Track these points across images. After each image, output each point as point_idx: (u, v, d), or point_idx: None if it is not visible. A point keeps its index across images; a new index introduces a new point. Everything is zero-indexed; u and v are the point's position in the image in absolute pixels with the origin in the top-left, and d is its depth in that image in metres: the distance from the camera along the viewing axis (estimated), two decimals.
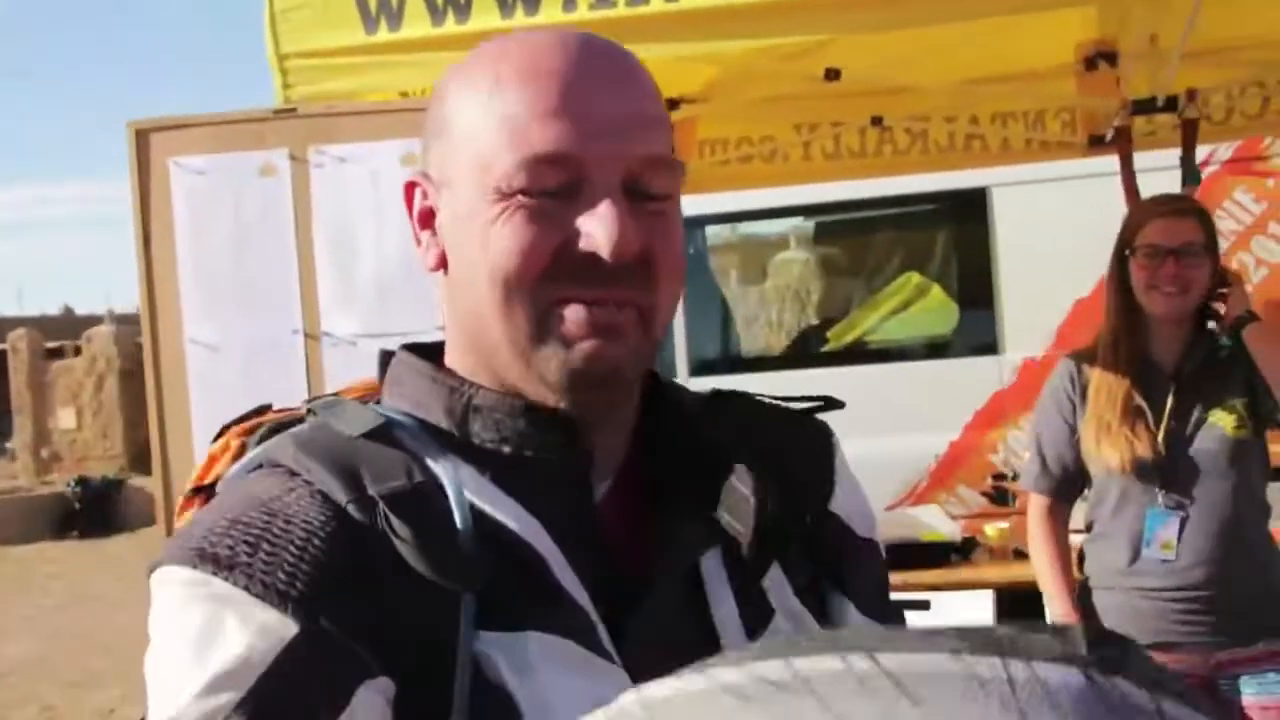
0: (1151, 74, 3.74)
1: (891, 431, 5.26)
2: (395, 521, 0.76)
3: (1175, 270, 2.53)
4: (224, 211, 2.45)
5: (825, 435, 1.01)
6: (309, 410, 0.89)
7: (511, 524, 0.80)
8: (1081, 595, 2.66)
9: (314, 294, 2.43)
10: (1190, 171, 3.72)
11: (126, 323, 15.50)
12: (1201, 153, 4.18)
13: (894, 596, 1.04)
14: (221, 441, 0.94)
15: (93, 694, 6.70)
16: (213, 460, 0.93)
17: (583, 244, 0.80)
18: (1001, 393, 5.44)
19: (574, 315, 0.81)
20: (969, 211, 5.58)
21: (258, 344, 2.43)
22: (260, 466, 0.85)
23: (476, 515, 0.79)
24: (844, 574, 0.96)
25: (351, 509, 0.77)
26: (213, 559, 0.74)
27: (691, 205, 5.29)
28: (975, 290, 5.59)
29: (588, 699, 0.70)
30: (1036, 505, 2.73)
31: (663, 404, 0.93)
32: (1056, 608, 2.64)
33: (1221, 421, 2.53)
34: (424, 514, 0.77)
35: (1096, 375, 2.63)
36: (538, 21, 2.31)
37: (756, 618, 0.88)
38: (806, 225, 7.43)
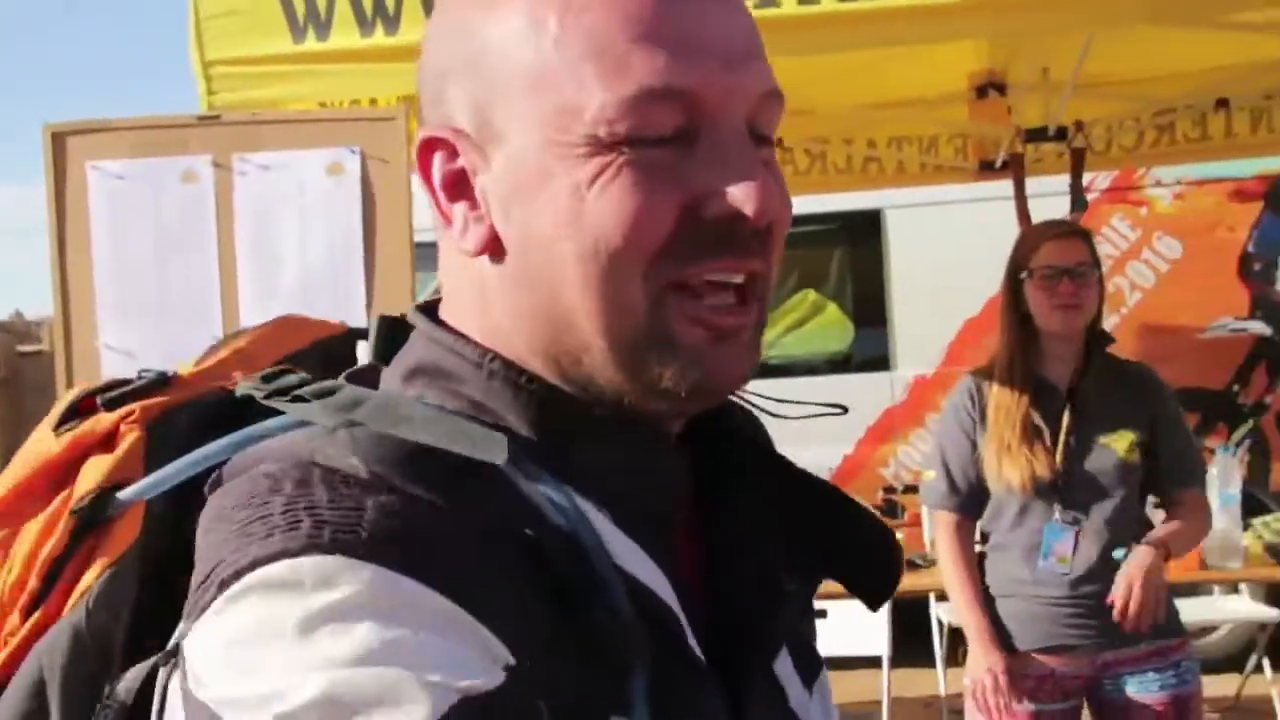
0: (1042, 104, 3.94)
1: (787, 444, 5.35)
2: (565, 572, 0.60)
3: (1071, 289, 2.67)
4: (144, 217, 2.43)
5: (897, 549, 0.84)
6: (350, 422, 0.62)
7: (645, 579, 0.63)
8: (987, 604, 2.78)
9: (235, 301, 2.42)
10: (1078, 198, 3.91)
11: (4, 330, 14.91)
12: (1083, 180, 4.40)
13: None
14: (88, 426, 0.70)
15: None
16: (77, 446, 0.69)
17: (714, 207, 0.63)
18: (893, 408, 5.61)
19: (698, 313, 0.64)
20: (864, 232, 5.75)
21: (177, 351, 2.39)
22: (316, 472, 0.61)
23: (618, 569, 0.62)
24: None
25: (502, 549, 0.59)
26: (377, 550, 0.55)
27: None
28: (869, 308, 5.76)
29: None
30: (945, 521, 2.84)
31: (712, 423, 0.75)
32: (968, 617, 2.75)
33: (1114, 444, 2.69)
34: (576, 566, 0.60)
35: (995, 394, 2.76)
36: None
37: (808, 663, 0.77)
38: None
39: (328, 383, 0.66)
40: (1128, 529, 2.70)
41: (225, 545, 0.57)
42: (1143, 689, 2.65)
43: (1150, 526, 2.79)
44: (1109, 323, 2.85)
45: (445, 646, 0.53)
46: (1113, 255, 5.37)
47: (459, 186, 0.68)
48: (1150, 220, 5.50)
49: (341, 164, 2.42)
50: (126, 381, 0.73)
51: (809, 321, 5.90)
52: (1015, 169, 4.29)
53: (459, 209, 0.68)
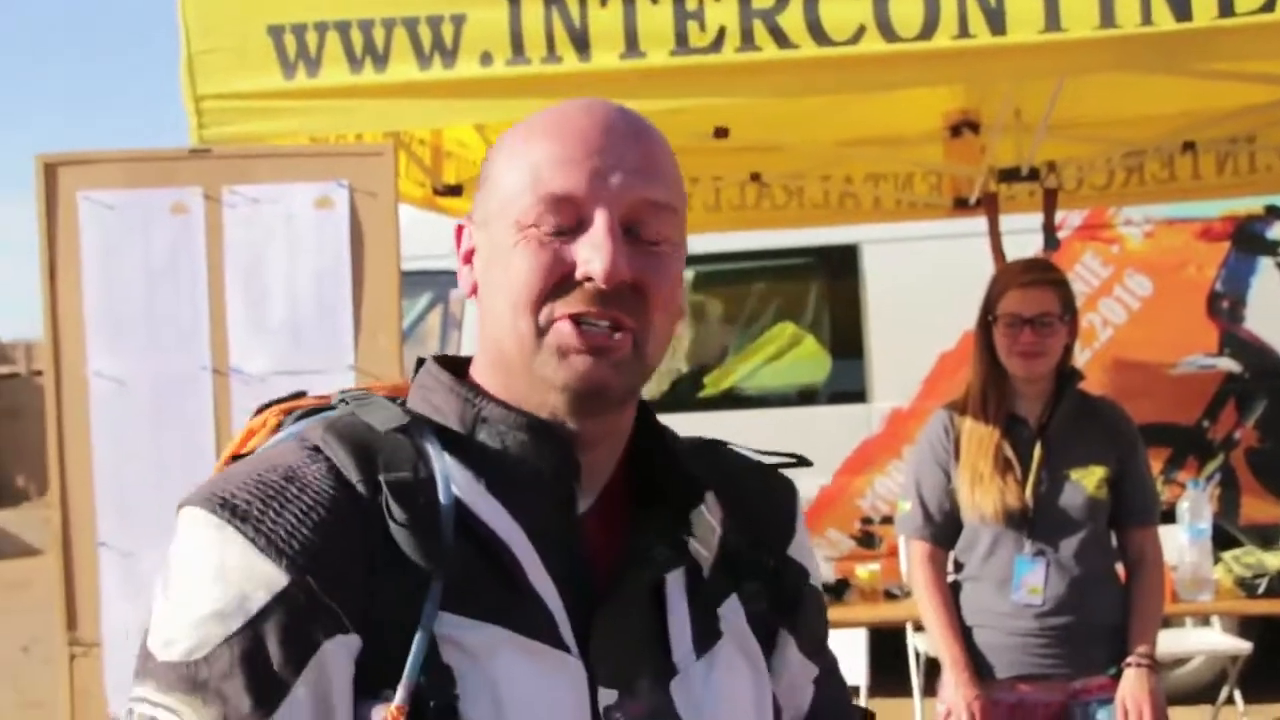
0: (1015, 144, 4.02)
1: None
2: (393, 504, 0.89)
3: (1032, 339, 2.74)
4: (134, 247, 2.46)
5: (790, 489, 1.15)
6: (341, 400, 1.02)
7: (495, 525, 0.92)
8: (963, 634, 2.83)
9: (224, 331, 2.46)
10: (1050, 238, 3.99)
11: None
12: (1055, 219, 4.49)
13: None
14: (261, 417, 1.04)
15: None
16: (250, 433, 1.04)
17: (579, 271, 0.92)
18: (869, 440, 5.66)
19: (566, 330, 0.92)
20: (841, 266, 5.82)
21: (166, 379, 2.45)
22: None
23: (464, 512, 0.91)
24: (795, 613, 1.10)
25: (360, 488, 0.90)
26: (230, 508, 0.87)
27: None
28: (846, 341, 5.82)
29: (538, 686, 0.89)
30: (919, 551, 2.89)
31: (651, 436, 1.05)
32: (943, 646, 2.80)
33: (1084, 480, 2.75)
34: (418, 502, 0.89)
35: (968, 427, 2.83)
36: (454, 75, 2.40)
37: (706, 637, 1.00)
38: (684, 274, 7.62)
39: (364, 392, 1.03)
40: (1096, 561, 2.76)
41: (199, 485, 0.92)
42: (1112, 717, 2.71)
43: (1115, 559, 2.85)
44: (1081, 358, 2.93)
45: (239, 563, 0.86)
46: (1085, 292, 5.46)
47: (469, 256, 1.02)
48: (1121, 258, 5.59)
49: (330, 197, 2.46)
50: (285, 398, 1.08)
51: (787, 353, 5.96)
52: (989, 207, 4.37)
53: (465, 269, 1.03)
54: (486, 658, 0.88)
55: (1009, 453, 2.78)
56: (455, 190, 4.03)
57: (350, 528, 0.88)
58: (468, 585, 0.89)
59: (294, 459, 0.92)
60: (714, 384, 6.05)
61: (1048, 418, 2.80)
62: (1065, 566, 2.73)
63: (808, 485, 5.75)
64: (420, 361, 1.05)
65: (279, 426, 1.02)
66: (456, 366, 1.03)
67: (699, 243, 5.64)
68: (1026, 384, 2.81)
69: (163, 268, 2.46)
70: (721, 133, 3.90)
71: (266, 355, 2.45)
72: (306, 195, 2.46)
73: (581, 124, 0.95)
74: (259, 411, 1.06)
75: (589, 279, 0.91)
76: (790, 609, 1.09)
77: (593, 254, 0.91)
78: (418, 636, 0.86)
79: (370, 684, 0.86)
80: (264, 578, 0.85)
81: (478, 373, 1.01)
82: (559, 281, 0.92)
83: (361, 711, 0.86)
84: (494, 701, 0.87)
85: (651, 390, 8.66)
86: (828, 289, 5.93)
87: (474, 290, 1.01)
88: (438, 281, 6.07)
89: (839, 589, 4.38)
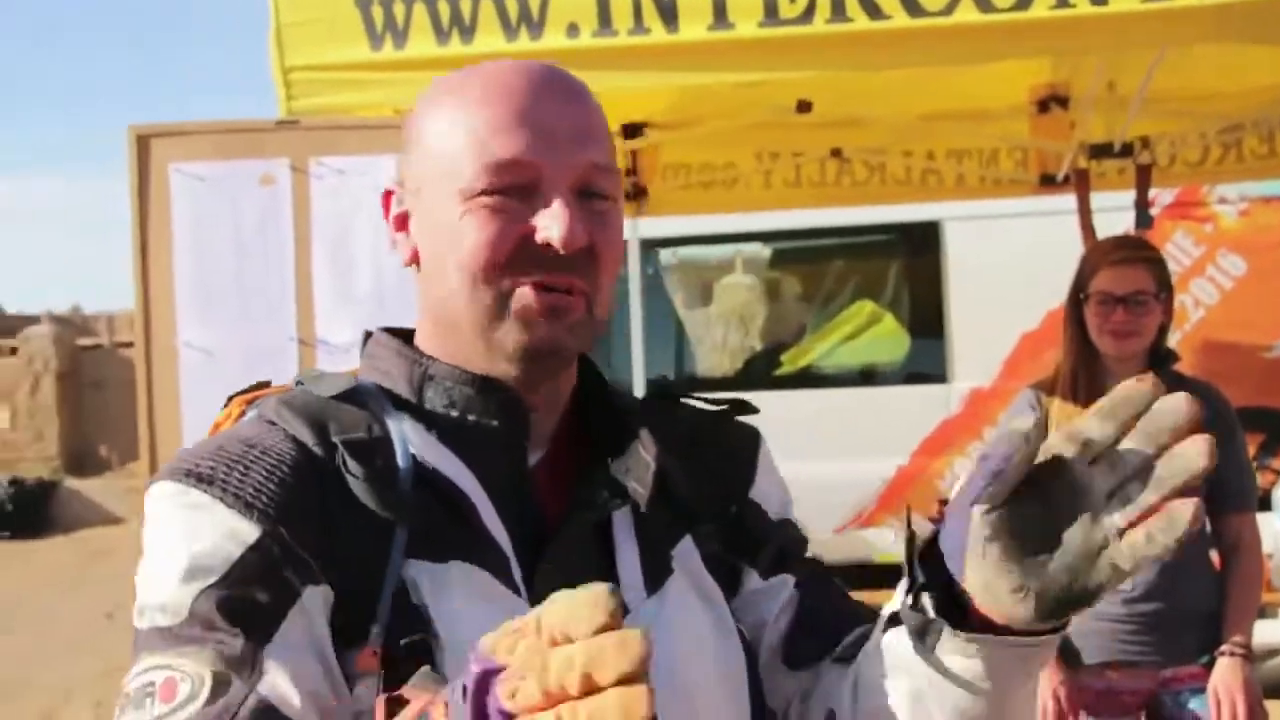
0: (1105, 119, 3.91)
1: (841, 456, 5.39)
2: (350, 462, 0.92)
3: (1125, 317, 2.66)
4: (223, 218, 2.49)
5: (751, 435, 1.15)
6: (299, 382, 1.03)
7: (449, 474, 0.94)
8: None
9: (310, 301, 2.48)
10: (1144, 215, 3.88)
11: (63, 323, 15.21)
12: None
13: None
14: (226, 410, 1.05)
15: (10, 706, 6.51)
16: (217, 426, 1.04)
17: (539, 236, 0.93)
18: (949, 420, 5.59)
19: (529, 297, 0.94)
20: (922, 243, 5.74)
21: (254, 350, 2.48)
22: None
23: (420, 465, 0.94)
24: (757, 551, 1.09)
25: (316, 449, 0.93)
26: (195, 475, 0.90)
27: (652, 228, 5.41)
28: (926, 320, 5.75)
29: (491, 622, 0.87)
30: None
31: (595, 389, 1.07)
32: None
33: None
34: (374, 459, 0.93)
35: (1057, 407, 2.76)
36: (541, 46, 2.39)
37: (657, 575, 1.01)
38: (755, 250, 7.57)
39: (320, 372, 1.03)
40: (1188, 546, 2.67)
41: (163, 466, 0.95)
42: (1204, 706, 2.64)
43: (1209, 545, 2.77)
44: (1171, 340, 2.84)
45: (211, 523, 0.88)
46: (1175, 272, 5.27)
47: (401, 222, 1.02)
48: (1215, 237, 5.44)
49: None
50: (249, 389, 1.08)
51: (865, 332, 5.90)
52: (1079, 184, 4.26)
53: (400, 236, 1.03)
54: (450, 596, 0.91)
55: None
56: None
57: (310, 486, 0.91)
58: (429, 531, 0.92)
59: (251, 430, 0.94)
60: (790, 362, 6.01)
61: None
62: None
63: (884, 465, 5.70)
64: (368, 335, 1.07)
65: (243, 416, 1.03)
66: (405, 337, 1.05)
67: (777, 219, 5.60)
68: (1118, 364, 2.73)
69: (251, 239, 2.49)
70: (805, 106, 3.84)
71: (352, 326, 2.47)
72: (392, 166, 2.46)
73: (517, 84, 0.95)
74: (226, 404, 1.06)
75: (548, 245, 0.93)
76: (753, 549, 1.09)
77: (551, 221, 0.92)
78: (386, 580, 0.89)
79: (345, 637, 0.88)
80: (237, 532, 0.87)
81: (423, 340, 1.03)
82: (515, 249, 0.94)
83: (340, 662, 0.88)
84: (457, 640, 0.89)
85: (725, 368, 8.64)
86: (908, 267, 5.85)
87: (414, 259, 1.01)
88: None
89: None
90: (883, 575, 4.17)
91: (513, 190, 0.93)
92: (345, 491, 0.91)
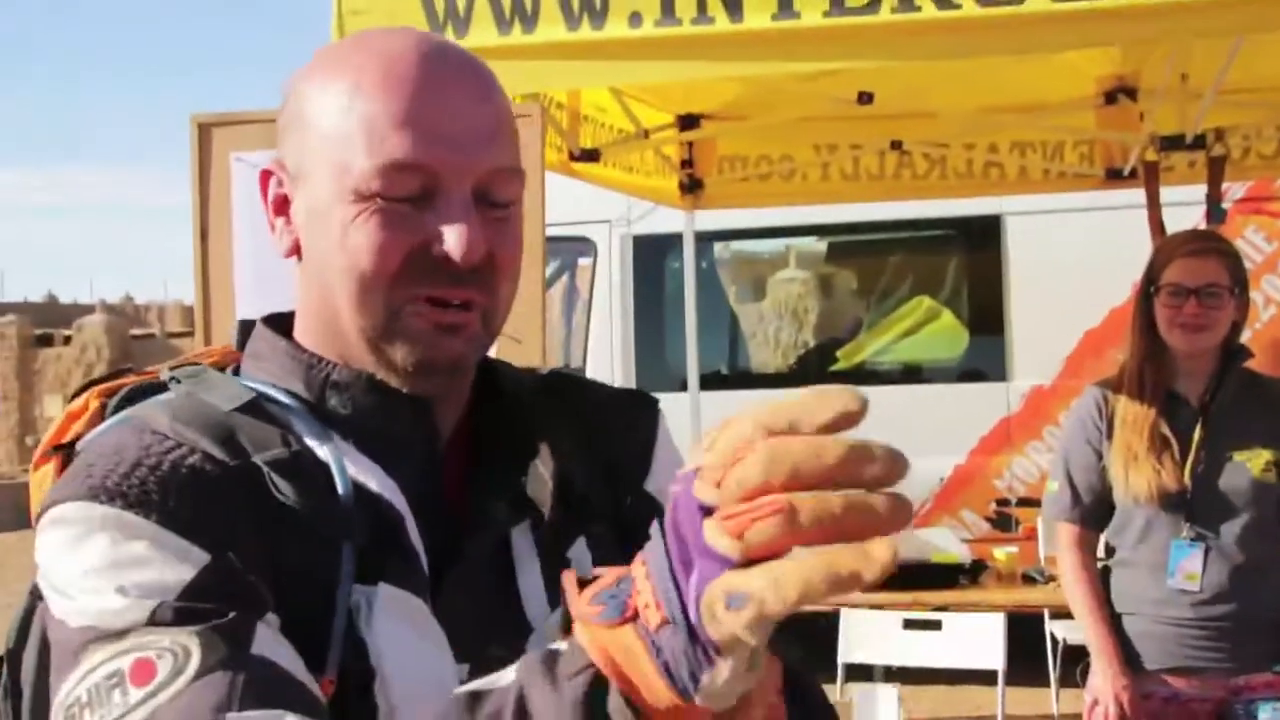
0: (1176, 110, 3.82)
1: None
2: (280, 482, 0.85)
3: (1196, 310, 2.59)
4: None
5: (650, 415, 1.07)
6: (173, 378, 0.93)
7: (376, 487, 0.88)
8: (1113, 621, 2.71)
9: None
10: (1217, 209, 3.79)
11: (115, 313, 15.47)
12: None
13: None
14: (80, 401, 0.96)
15: None
16: (71, 418, 0.95)
17: (436, 248, 0.87)
18: (1008, 419, 5.51)
19: (424, 313, 0.88)
20: (982, 238, 5.66)
21: None
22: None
23: (356, 483, 0.88)
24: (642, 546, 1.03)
25: (232, 465, 0.85)
26: (121, 495, 0.80)
27: (708, 220, 5.36)
28: (986, 316, 5.66)
29: (414, 648, 0.86)
30: (1068, 534, 2.77)
31: (493, 388, 1.00)
32: (1092, 634, 2.69)
33: (1250, 462, 2.60)
34: (305, 477, 0.86)
35: (1123, 405, 2.70)
36: (603, 36, 2.36)
37: (559, 582, 0.95)
38: (809, 244, 7.51)
39: (195, 367, 0.95)
40: (1261, 549, 2.61)
41: (55, 488, 0.85)
42: (1277, 716, 2.56)
43: None
44: (1241, 337, 2.76)
45: (157, 554, 0.79)
46: (1246, 268, 5.19)
47: (281, 206, 0.94)
48: None
49: None
50: (105, 377, 0.99)
51: (923, 328, 5.83)
52: (1149, 178, 4.17)
53: (279, 222, 0.94)
54: (379, 620, 0.85)
55: (1166, 431, 2.64)
56: (593, 155, 4.00)
57: (244, 508, 0.83)
58: (369, 552, 0.86)
59: (156, 448, 0.84)
60: (846, 358, 5.95)
61: (1210, 396, 2.65)
62: (1226, 553, 2.59)
63: (941, 464, 5.62)
64: (244, 325, 0.99)
65: (102, 410, 0.94)
66: (282, 327, 0.97)
67: (833, 212, 5.54)
68: (1188, 360, 2.66)
69: None
70: (866, 97, 3.80)
71: None
72: None
73: (420, 73, 0.87)
74: (77, 394, 0.97)
75: (445, 258, 0.87)
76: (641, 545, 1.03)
77: (449, 232, 0.86)
78: (339, 603, 0.84)
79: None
80: (186, 555, 0.79)
81: (305, 336, 0.95)
82: (408, 259, 0.87)
83: None
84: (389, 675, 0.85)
85: (779, 363, 8.59)
86: (967, 262, 5.77)
87: (295, 251, 0.93)
88: (568, 249, 6.08)
89: (974, 570, 4.27)
90: (940, 575, 4.11)
91: (410, 194, 0.87)
92: (277, 515, 0.84)
